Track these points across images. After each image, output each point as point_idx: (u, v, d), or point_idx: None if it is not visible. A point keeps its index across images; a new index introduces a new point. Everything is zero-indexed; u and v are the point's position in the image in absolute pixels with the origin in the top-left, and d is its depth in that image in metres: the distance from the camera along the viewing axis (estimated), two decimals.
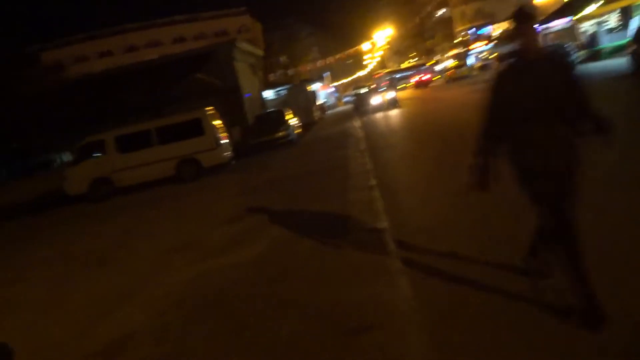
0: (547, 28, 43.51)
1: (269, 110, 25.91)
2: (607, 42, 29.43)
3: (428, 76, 67.39)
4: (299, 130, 22.26)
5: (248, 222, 8.12)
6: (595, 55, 26.83)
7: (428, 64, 78.77)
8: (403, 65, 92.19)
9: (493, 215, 5.42)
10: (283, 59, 68.82)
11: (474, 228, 5.33)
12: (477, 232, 5.17)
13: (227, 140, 16.11)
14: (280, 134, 19.65)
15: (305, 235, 6.39)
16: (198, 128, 14.84)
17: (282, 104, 32.44)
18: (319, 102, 44.94)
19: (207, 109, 15.28)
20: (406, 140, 14.34)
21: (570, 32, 40.50)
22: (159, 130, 14.88)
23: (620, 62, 21.53)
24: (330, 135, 21.27)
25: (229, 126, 23.16)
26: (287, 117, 20.82)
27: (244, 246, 6.62)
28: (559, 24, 41.78)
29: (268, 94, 37.71)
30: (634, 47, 16.26)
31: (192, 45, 52.52)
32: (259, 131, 20.14)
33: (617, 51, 26.26)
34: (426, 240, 5.30)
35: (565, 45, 25.58)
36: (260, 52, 37.01)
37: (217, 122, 15.70)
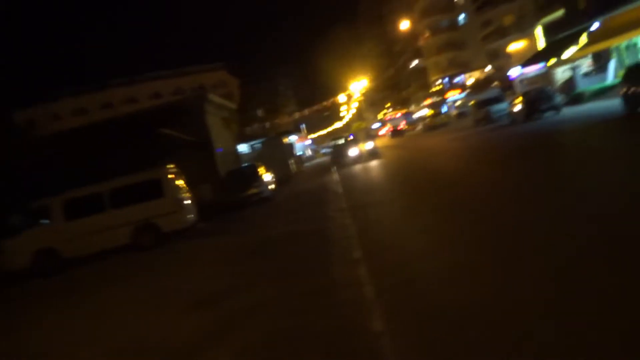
0: (522, 74, 43.69)
1: (241, 166, 24.39)
2: (584, 86, 29.01)
3: (402, 124, 67.90)
4: (274, 186, 20.66)
5: (221, 307, 6.35)
6: (578, 98, 26.21)
7: (402, 113, 79.45)
8: (379, 116, 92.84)
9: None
10: (260, 112, 68.29)
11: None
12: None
13: (190, 202, 14.30)
14: (254, 191, 18.05)
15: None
16: (157, 189, 13.09)
17: (258, 157, 31.06)
18: (296, 154, 43.78)
19: (167, 167, 13.59)
20: (390, 196, 12.76)
21: (545, 77, 40.58)
22: (112, 192, 13.09)
23: (607, 105, 20.79)
24: (308, 190, 19.75)
25: (199, 183, 21.58)
26: (260, 173, 19.28)
27: (221, 345, 4.88)
28: (533, 70, 41.96)
29: (243, 148, 36.37)
30: (624, 89, 15.40)
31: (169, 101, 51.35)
32: (230, 188, 18.52)
33: (599, 94, 25.69)
34: None
35: (548, 89, 24.93)
36: (233, 106, 35.91)
37: (179, 182, 14.00)
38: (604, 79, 29.16)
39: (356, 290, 5.45)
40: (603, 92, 25.52)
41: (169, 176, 13.40)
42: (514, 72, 45.96)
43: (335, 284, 5.94)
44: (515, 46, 49.17)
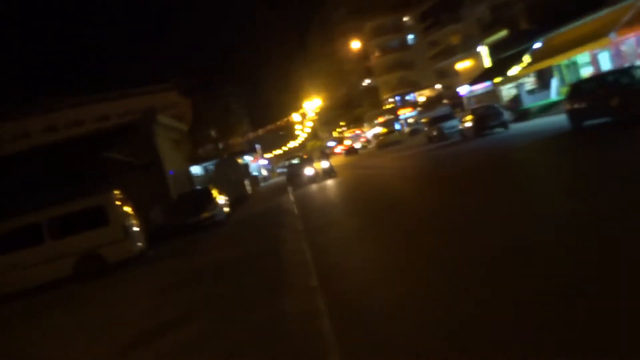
0: (470, 92, 44.90)
1: (194, 189, 23.69)
2: (530, 103, 30.00)
3: (357, 144, 68.91)
4: (228, 208, 20.08)
5: (158, 344, 5.82)
6: (524, 114, 27.01)
7: (358, 132, 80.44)
8: (335, 134, 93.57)
9: None
10: (213, 132, 67.31)
11: None
12: None
13: (138, 229, 13.51)
14: (207, 214, 17.42)
15: None
16: (101, 216, 12.30)
17: (211, 179, 30.40)
18: (251, 174, 43.21)
19: (113, 192, 12.84)
20: (346, 216, 12.51)
21: (492, 94, 41.85)
22: (52, 221, 12.21)
23: (553, 120, 21.45)
24: (264, 211, 19.30)
25: (149, 207, 20.72)
26: (214, 195, 18.69)
27: None
28: (480, 87, 43.24)
29: (197, 170, 35.54)
30: (569, 105, 15.90)
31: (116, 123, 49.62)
32: (182, 212, 17.80)
33: (544, 110, 26.55)
34: None
35: (496, 106, 25.58)
36: (184, 127, 35.14)
37: (126, 208, 13.24)
38: (548, 95, 30.24)
39: (308, 323, 5.08)
40: (548, 109, 26.40)
41: (115, 202, 12.64)
42: (463, 89, 47.26)
43: (284, 316, 5.55)
44: (463, 65, 50.67)
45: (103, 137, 21.58)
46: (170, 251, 14.67)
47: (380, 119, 76.06)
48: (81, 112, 71.98)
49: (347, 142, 71.78)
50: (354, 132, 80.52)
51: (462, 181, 12.46)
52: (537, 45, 29.89)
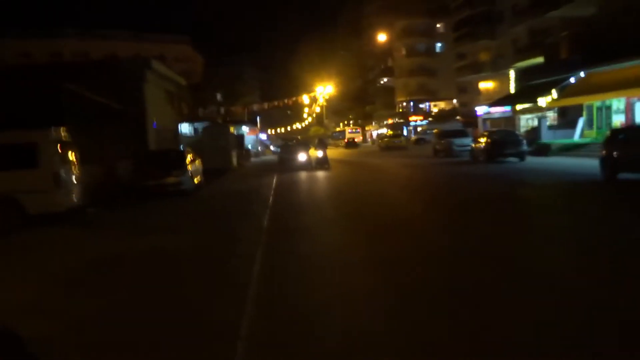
0: (488, 113, 42.69)
1: (165, 149, 21.41)
2: (549, 138, 27.80)
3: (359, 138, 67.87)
4: (199, 178, 17.82)
5: None
6: (542, 149, 24.82)
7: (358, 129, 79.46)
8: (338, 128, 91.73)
9: None
10: (219, 95, 64.85)
11: None
12: None
13: (76, 180, 11.10)
14: (171, 180, 15.14)
15: None
16: (30, 157, 10.02)
17: (198, 142, 28.06)
18: (244, 147, 40.83)
19: (53, 130, 10.47)
20: (325, 222, 10.29)
21: (509, 121, 39.64)
22: None
23: (574, 163, 19.36)
24: (236, 192, 17.07)
25: (119, 159, 18.45)
26: (187, 160, 16.43)
27: None
28: (499, 111, 41.03)
29: (187, 130, 33.25)
30: (605, 152, 13.81)
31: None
32: (145, 172, 15.53)
33: (565, 149, 24.40)
34: None
35: (516, 133, 23.48)
36: (182, 80, 32.73)
37: (67, 152, 10.91)
38: (571, 135, 28.10)
39: None
40: (570, 149, 24.26)
41: (52, 143, 10.32)
42: (480, 109, 45.03)
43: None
44: (486, 84, 48.38)
45: (82, 70, 19.28)
46: (109, 217, 12.32)
47: (390, 121, 73.77)
48: (88, 45, 69.13)
49: (349, 135, 70.03)
50: (355, 128, 78.95)
51: (479, 213, 10.28)
52: (572, 79, 27.67)
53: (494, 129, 31.23)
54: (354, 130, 76.85)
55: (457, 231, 8.37)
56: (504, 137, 22.97)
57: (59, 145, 10.62)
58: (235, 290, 5.61)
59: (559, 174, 16.44)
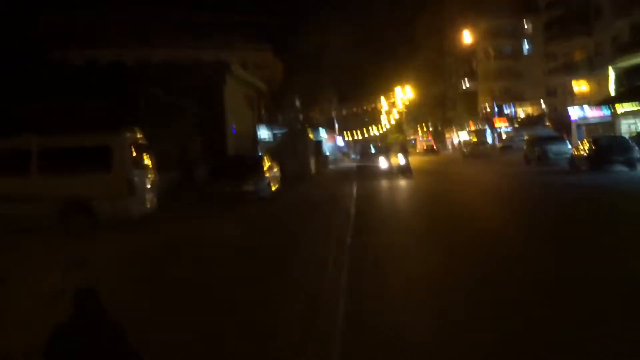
0: (584, 117, 39.34)
1: (243, 155, 20.94)
2: None
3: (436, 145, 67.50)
4: (276, 185, 17.07)
5: None
6: None
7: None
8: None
9: None
10: (297, 100, 65.10)
11: None
12: None
13: (150, 185, 10.60)
14: (247, 187, 14.47)
15: None
16: (104, 160, 9.63)
17: (277, 148, 27.52)
18: (323, 153, 39.98)
19: (127, 133, 10.02)
20: (413, 244, 8.84)
21: (608, 126, 35.99)
22: (44, 152, 9.61)
23: None
24: (316, 201, 16.10)
25: (197, 162, 18.18)
26: (264, 167, 15.75)
27: None
28: (596, 115, 37.43)
29: (266, 135, 33.10)
30: None
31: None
32: (222, 178, 14.99)
33: None
34: None
35: (624, 138, 20.98)
36: (262, 85, 32.56)
37: (142, 156, 10.44)
38: None
39: None
40: None
41: (126, 146, 9.85)
42: (575, 112, 41.35)
43: None
44: (580, 86, 44.58)
45: (162, 74, 19.26)
46: (176, 222, 11.57)
47: (472, 127, 70.53)
48: (175, 53, 71.73)
49: (429, 141, 68.03)
50: (426, 136, 77.20)
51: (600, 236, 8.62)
52: None
53: (601, 135, 28.36)
54: (424, 138, 75.01)
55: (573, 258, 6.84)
56: (611, 142, 20.56)
57: (132, 148, 10.15)
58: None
59: None
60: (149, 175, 10.79)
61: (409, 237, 9.26)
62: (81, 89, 14.08)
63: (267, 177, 15.44)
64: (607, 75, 36.63)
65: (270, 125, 34.55)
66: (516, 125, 62.87)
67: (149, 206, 10.62)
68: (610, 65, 35.73)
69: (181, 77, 21.17)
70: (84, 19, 54.93)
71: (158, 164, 11.62)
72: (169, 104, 16.85)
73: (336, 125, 63.20)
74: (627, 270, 5.98)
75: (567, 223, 9.79)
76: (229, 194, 14.73)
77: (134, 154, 10.17)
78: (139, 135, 10.64)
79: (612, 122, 35.42)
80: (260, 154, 19.82)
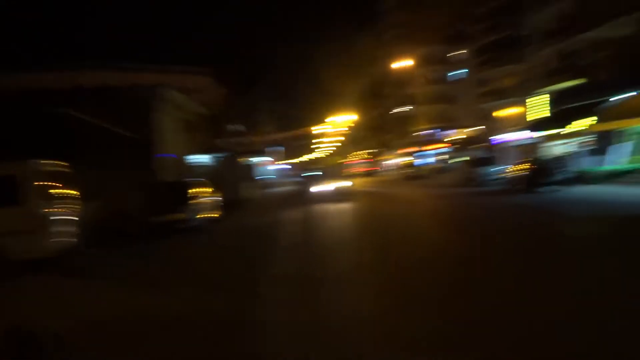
0: (505, 142, 41.01)
1: (171, 181, 19.48)
2: (587, 165, 25.53)
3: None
4: (213, 212, 16.19)
5: None
6: (581, 177, 22.50)
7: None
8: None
9: None
10: (242, 126, 64.22)
11: None
12: None
13: (69, 217, 9.44)
14: (177, 216, 13.53)
15: None
16: (10, 192, 8.59)
17: (212, 174, 26.54)
18: (256, 178, 39.26)
19: (37, 162, 8.89)
20: (353, 271, 8.33)
21: (533, 148, 37.02)
22: None
23: (627, 192, 17.20)
24: (256, 227, 15.38)
25: (129, 191, 16.97)
26: (195, 193, 14.80)
27: None
28: (520, 138, 38.84)
29: (204, 159, 32.01)
30: None
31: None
32: (150, 207, 13.95)
33: (611, 176, 22.36)
34: None
35: (558, 159, 21.75)
36: (202, 110, 31.71)
37: (57, 187, 9.34)
38: (614, 161, 25.94)
39: None
40: (616, 176, 22.21)
41: (35, 176, 8.78)
42: (497, 137, 43.18)
43: None
44: (507, 111, 46.37)
45: (90, 97, 18.12)
46: (105, 264, 10.42)
47: (409, 149, 71.95)
48: (107, 76, 69.41)
49: (368, 164, 69.44)
50: (363, 157, 79.51)
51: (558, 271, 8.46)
52: (613, 101, 25.74)
53: (540, 155, 29.45)
54: (364, 160, 77.08)
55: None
56: (545, 164, 21.23)
57: (47, 177, 9.11)
58: None
59: (611, 205, 14.39)
60: (72, 207, 9.72)
61: (348, 262, 8.76)
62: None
63: (198, 204, 14.55)
64: (536, 100, 38.31)
65: (209, 150, 33.48)
66: (456, 146, 64.62)
67: (69, 240, 9.54)
68: (539, 90, 37.35)
69: (113, 101, 20.13)
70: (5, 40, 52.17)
71: (86, 194, 10.57)
72: (99, 129, 15.75)
73: (278, 149, 62.77)
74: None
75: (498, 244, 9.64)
76: (160, 224, 13.77)
77: (51, 184, 9.12)
78: (58, 163, 9.59)
79: (538, 144, 36.74)
80: (190, 179, 18.65)
